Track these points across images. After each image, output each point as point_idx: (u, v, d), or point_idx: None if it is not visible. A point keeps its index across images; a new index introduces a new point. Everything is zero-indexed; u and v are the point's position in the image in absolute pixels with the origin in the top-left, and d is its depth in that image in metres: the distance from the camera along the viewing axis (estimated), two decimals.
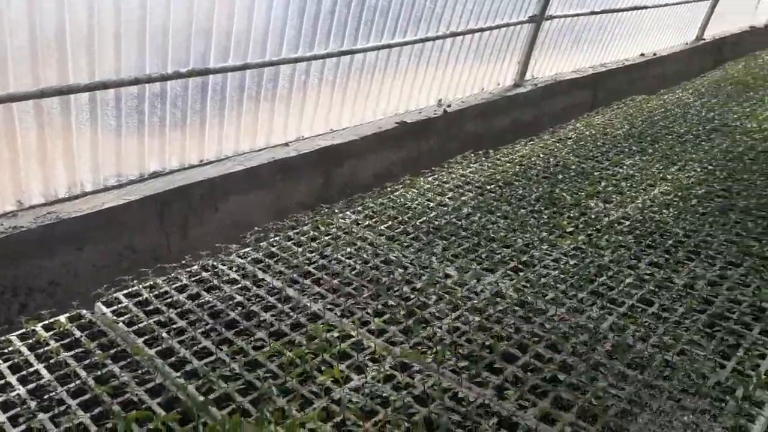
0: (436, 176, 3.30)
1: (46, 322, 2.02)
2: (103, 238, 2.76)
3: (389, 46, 3.71)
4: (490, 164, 3.44)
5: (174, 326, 1.98)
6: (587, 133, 4.00)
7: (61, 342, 1.92)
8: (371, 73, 3.82)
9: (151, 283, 2.23)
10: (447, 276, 2.31)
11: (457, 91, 4.66)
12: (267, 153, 3.40)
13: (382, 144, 3.96)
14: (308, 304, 2.09)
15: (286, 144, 3.55)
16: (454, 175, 3.27)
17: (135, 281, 2.22)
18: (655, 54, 6.95)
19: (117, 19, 2.50)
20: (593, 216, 2.76)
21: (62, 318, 2.04)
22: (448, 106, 4.49)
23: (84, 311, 2.09)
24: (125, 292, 2.18)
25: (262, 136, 3.45)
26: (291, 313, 2.05)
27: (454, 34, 4.12)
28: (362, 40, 3.55)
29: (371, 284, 2.22)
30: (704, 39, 8.02)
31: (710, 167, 3.39)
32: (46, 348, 1.88)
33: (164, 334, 1.93)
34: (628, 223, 2.71)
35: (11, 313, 2.55)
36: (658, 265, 2.37)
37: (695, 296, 2.15)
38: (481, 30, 4.34)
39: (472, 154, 3.56)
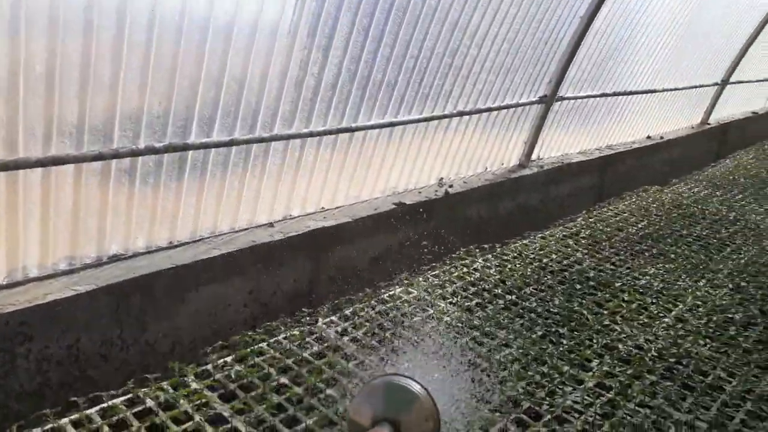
0: (437, 274, 2.91)
1: None
2: (41, 337, 2.32)
3: (392, 125, 3.39)
4: (497, 263, 3.07)
5: None
6: (600, 228, 3.65)
7: None
8: (371, 150, 3.49)
9: (81, 415, 1.78)
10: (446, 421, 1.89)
11: (460, 170, 4.33)
12: (247, 235, 3.00)
13: (379, 226, 3.59)
14: None
15: (271, 224, 3.17)
16: (456, 275, 2.89)
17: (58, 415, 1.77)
18: (662, 137, 6.74)
19: (84, 89, 2.14)
20: (621, 345, 2.36)
21: None
22: (450, 186, 4.15)
23: None
24: (46, 427, 1.73)
25: (245, 214, 3.07)
26: None
27: (462, 114, 3.83)
28: (364, 116, 3.23)
29: None
30: (709, 123, 7.87)
31: (743, 283, 3.03)
32: None
33: None
34: (657, 353, 2.31)
35: None
36: (702, 420, 1.96)
37: None
38: (490, 110, 4.06)
39: (477, 249, 3.19)
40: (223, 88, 2.53)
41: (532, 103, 4.43)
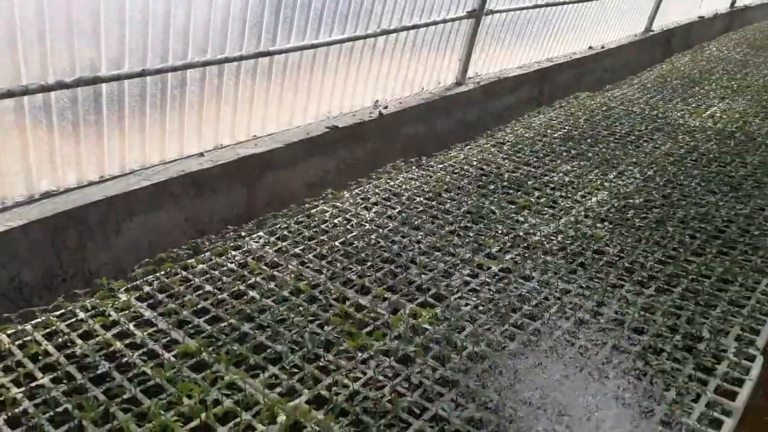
0: (361, 188, 3.07)
1: None
2: None
3: (313, 46, 3.44)
4: (420, 173, 3.23)
5: (33, 384, 1.71)
6: (526, 135, 3.82)
7: None
8: (296, 74, 3.55)
9: (16, 329, 1.94)
10: (359, 308, 2.09)
11: (395, 92, 4.42)
12: (177, 165, 3.11)
13: (311, 151, 3.71)
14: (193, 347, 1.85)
15: (201, 154, 3.27)
16: (380, 188, 3.05)
17: None
18: (603, 47, 6.84)
19: None
20: (522, 233, 2.57)
21: None
22: (385, 107, 4.25)
23: None
24: None
25: (173, 145, 3.15)
26: (175, 361, 1.80)
27: (386, 32, 3.88)
28: (282, 39, 3.28)
29: (272, 325, 1.98)
30: (653, 30, 7.96)
31: (650, 173, 3.24)
32: None
33: (18, 396, 1.66)
34: (559, 239, 2.53)
35: None
36: (589, 288, 2.19)
37: (625, 328, 1.97)
38: (416, 27, 4.11)
39: (403, 163, 3.34)
40: (126, 20, 2.57)
41: (460, 18, 4.48)
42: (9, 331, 1.92)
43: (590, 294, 2.14)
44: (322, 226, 2.65)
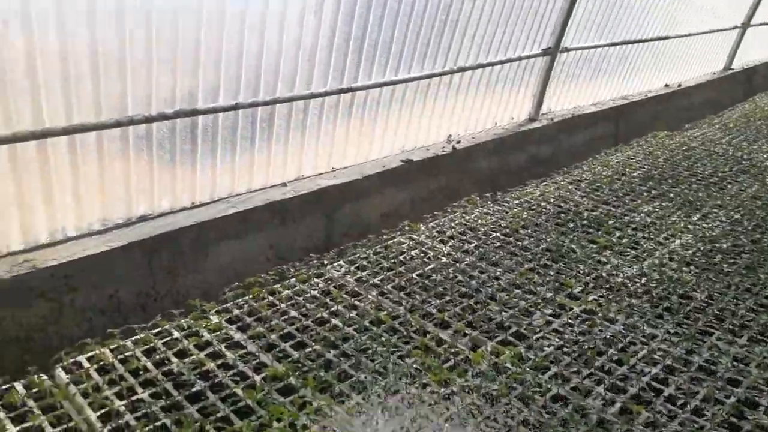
0: (437, 221, 3.10)
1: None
2: (84, 288, 2.62)
3: (393, 83, 3.55)
4: (496, 208, 3.24)
5: (135, 398, 1.82)
6: (604, 173, 3.77)
7: (10, 414, 1.76)
8: (375, 109, 3.66)
9: (119, 344, 2.06)
10: (440, 343, 2.11)
11: (468, 127, 4.47)
12: (262, 194, 3.25)
13: (388, 183, 3.79)
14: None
15: (284, 184, 3.40)
16: (456, 221, 3.07)
17: (99, 344, 2.06)
18: (680, 85, 6.69)
19: (93, 58, 2.38)
20: (605, 274, 2.53)
21: (18, 385, 1.89)
22: (458, 142, 4.30)
23: (44, 377, 1.93)
24: (88, 355, 2.02)
25: (259, 176, 3.30)
26: (264, 386, 1.87)
27: (463, 69, 3.95)
28: (363, 76, 3.40)
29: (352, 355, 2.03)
30: (733, 69, 7.72)
31: (737, 216, 3.13)
32: None
33: (121, 409, 1.76)
34: (643, 282, 2.47)
35: None
36: (677, 334, 2.13)
37: (717, 378, 1.90)
38: (491, 64, 4.16)
39: (478, 197, 3.36)
40: (223, 56, 2.75)
41: (536, 55, 4.51)
42: (112, 346, 2.04)
43: (679, 341, 2.08)
44: (400, 258, 2.69)
